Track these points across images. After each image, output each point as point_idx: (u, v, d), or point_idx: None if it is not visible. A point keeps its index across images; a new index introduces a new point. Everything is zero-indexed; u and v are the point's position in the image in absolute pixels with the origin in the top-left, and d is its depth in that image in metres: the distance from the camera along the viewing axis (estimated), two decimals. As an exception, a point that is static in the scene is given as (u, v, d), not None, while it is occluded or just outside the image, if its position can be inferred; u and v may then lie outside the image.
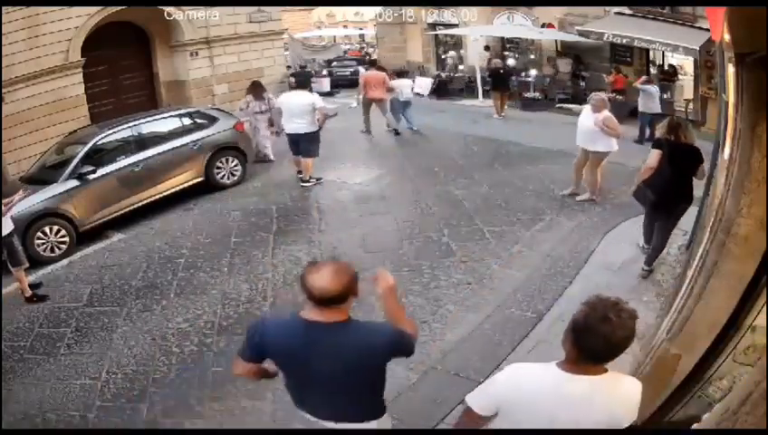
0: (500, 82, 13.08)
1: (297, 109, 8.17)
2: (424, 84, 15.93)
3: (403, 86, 11.64)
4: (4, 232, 5.67)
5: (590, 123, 6.76)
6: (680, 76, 13.58)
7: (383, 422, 2.50)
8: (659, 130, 5.25)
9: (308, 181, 8.56)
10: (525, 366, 2.07)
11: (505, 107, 13.29)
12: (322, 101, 8.68)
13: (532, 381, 1.95)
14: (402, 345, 2.36)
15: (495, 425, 2.04)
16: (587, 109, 7.00)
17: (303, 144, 8.33)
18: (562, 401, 1.87)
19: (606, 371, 1.91)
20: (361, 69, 16.42)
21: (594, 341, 1.80)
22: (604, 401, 1.87)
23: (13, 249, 5.81)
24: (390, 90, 11.20)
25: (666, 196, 4.71)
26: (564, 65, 15.61)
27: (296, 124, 8.19)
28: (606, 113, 6.78)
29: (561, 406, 1.87)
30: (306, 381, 2.39)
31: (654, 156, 4.77)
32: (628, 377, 2.05)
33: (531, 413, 1.92)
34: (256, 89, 9.96)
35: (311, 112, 8.13)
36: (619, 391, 1.93)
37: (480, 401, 2.03)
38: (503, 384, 2.00)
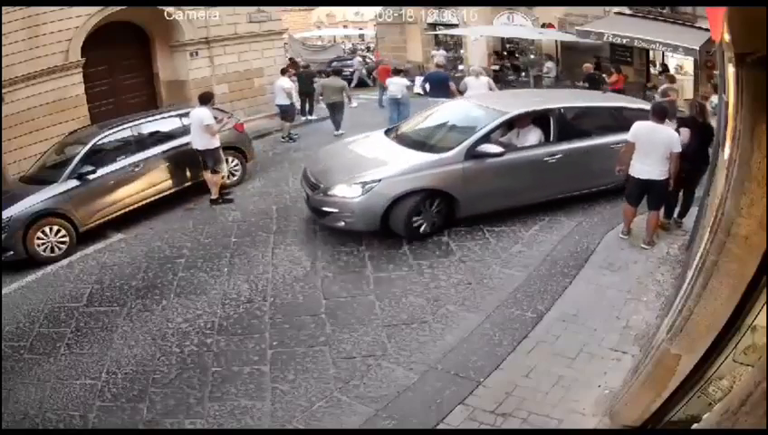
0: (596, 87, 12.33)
1: (278, 89, 11.83)
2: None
3: (392, 83, 11.69)
4: (214, 145, 7.90)
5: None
6: (678, 76, 13.56)
7: None
8: (687, 111, 6.69)
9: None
10: (642, 122, 5.64)
11: None
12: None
13: (645, 124, 5.57)
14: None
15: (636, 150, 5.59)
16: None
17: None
18: (653, 130, 5.50)
19: (665, 124, 5.61)
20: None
21: (656, 110, 5.72)
22: (664, 131, 5.49)
23: (216, 157, 8.02)
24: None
25: (694, 161, 5.83)
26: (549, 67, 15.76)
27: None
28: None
29: (652, 132, 5.48)
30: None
31: (685, 133, 5.82)
32: (673, 131, 5.57)
33: (644, 135, 5.51)
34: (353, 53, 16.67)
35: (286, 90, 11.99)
36: (668, 131, 5.49)
37: (630, 136, 5.61)
38: (634, 127, 5.61)
